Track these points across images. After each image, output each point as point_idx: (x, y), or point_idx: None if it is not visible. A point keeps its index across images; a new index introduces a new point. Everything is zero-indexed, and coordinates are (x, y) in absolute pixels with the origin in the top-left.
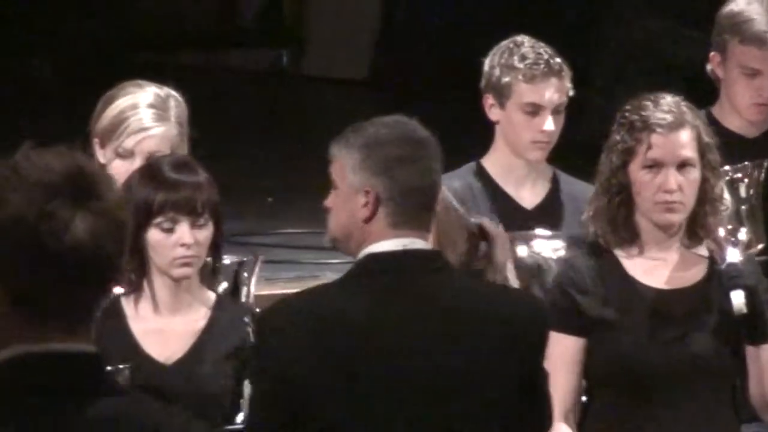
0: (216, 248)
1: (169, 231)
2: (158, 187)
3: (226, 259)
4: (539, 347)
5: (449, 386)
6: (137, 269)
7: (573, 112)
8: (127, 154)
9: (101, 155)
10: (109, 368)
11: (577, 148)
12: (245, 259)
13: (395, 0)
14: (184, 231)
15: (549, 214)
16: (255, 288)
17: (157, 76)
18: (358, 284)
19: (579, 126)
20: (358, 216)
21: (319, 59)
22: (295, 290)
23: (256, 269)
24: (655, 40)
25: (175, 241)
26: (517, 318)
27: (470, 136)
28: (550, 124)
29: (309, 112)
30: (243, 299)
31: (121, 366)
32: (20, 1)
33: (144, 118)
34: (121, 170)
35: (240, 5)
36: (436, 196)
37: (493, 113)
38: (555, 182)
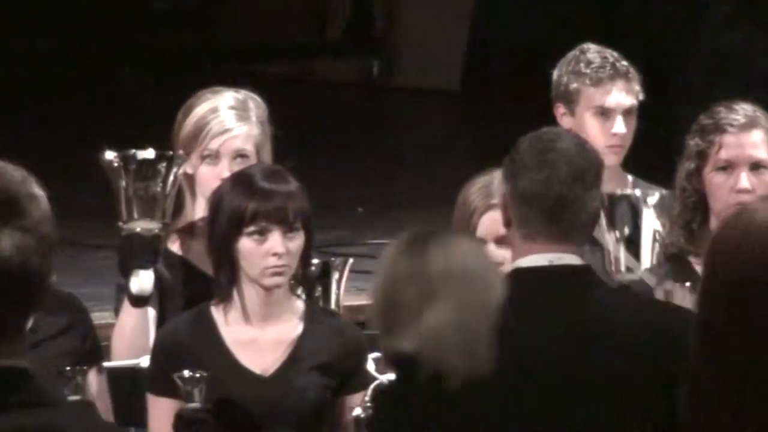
0: (305, 257)
1: (261, 240)
2: (250, 196)
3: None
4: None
5: (598, 403)
6: (227, 278)
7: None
8: (213, 155)
9: (187, 165)
10: (186, 373)
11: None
12: (333, 259)
13: (487, 11)
14: (275, 240)
15: None
16: (344, 296)
17: (247, 87)
18: (506, 299)
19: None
20: (504, 220)
21: (410, 70)
22: None
23: (346, 270)
24: (745, 50)
25: (267, 251)
26: (668, 331)
27: None
28: (620, 126)
29: (399, 123)
30: (333, 296)
31: (197, 374)
32: (110, 13)
33: (225, 119)
34: (209, 176)
35: (330, 15)
36: (567, 208)
37: (565, 122)
38: (633, 188)
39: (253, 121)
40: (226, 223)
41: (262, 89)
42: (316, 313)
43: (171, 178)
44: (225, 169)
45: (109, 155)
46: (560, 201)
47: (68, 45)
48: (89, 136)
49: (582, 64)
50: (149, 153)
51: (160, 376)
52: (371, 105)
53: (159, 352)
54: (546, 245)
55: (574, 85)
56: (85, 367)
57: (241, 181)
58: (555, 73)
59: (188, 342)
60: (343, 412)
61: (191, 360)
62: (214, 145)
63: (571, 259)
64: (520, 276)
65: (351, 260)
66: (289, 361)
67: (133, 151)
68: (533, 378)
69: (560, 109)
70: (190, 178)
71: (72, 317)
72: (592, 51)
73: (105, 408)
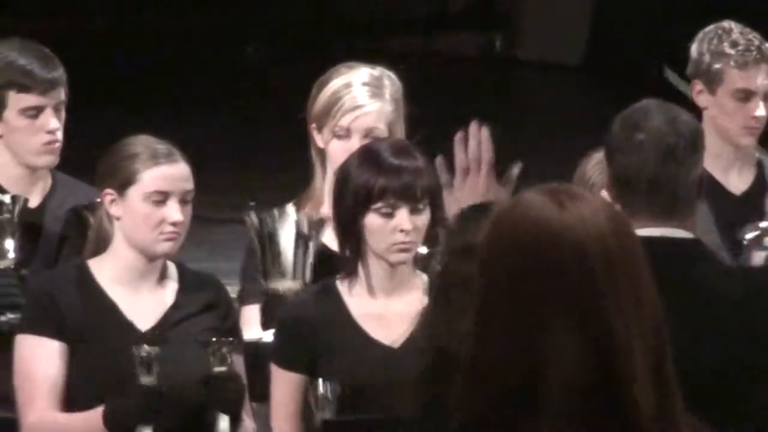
0: (432, 234)
1: (389, 216)
2: (379, 172)
3: None
4: None
5: (705, 380)
6: (353, 253)
7: None
8: (344, 133)
9: (319, 140)
10: (324, 386)
11: None
12: None
13: None
14: (403, 217)
15: (756, 200)
16: None
17: (369, 62)
18: None
19: None
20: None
21: (533, 44)
22: None
23: None
24: None
25: (394, 227)
26: None
27: None
28: (762, 109)
29: (521, 97)
30: None
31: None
32: None
33: (358, 95)
34: (339, 151)
35: None
36: (663, 188)
37: (702, 99)
38: (760, 168)
39: (386, 99)
40: (353, 199)
41: (385, 63)
42: None
43: (312, 243)
44: (356, 146)
45: (253, 216)
46: (654, 183)
47: (192, 23)
48: (214, 112)
49: (726, 44)
50: (290, 212)
51: (285, 349)
52: (494, 79)
53: (285, 325)
54: (651, 222)
55: (717, 66)
56: (231, 339)
57: (368, 156)
58: (694, 50)
59: (314, 315)
60: None
61: (318, 333)
62: (345, 121)
63: (679, 233)
64: None
65: None
66: (416, 333)
67: (275, 211)
68: None
69: (697, 86)
70: (321, 152)
71: (213, 295)
72: (736, 31)
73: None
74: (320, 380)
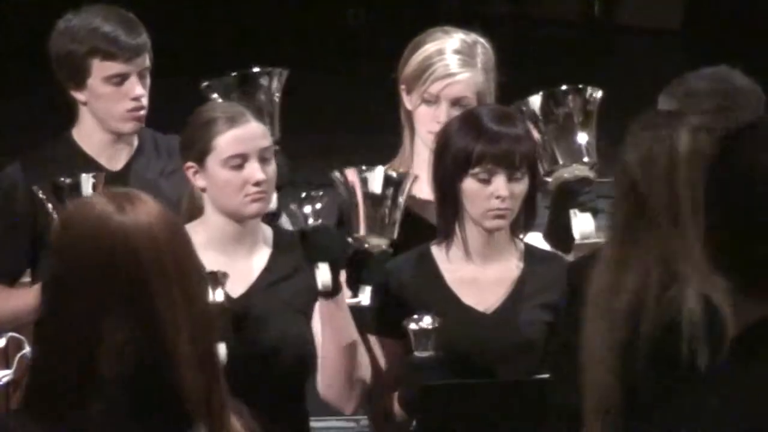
0: (530, 202)
1: (486, 182)
2: (478, 137)
3: None
4: None
5: None
6: (450, 216)
7: None
8: (432, 99)
9: (408, 101)
10: (419, 323)
11: None
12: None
13: None
14: (500, 183)
15: None
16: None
17: (466, 24)
18: None
19: None
20: None
21: (631, 8)
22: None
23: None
24: None
25: (491, 193)
26: None
27: None
28: None
29: (619, 61)
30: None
31: (430, 326)
32: None
33: (450, 63)
34: (426, 116)
35: None
36: None
37: None
38: None
39: (477, 68)
40: (452, 163)
41: (481, 27)
42: (537, 254)
43: (400, 198)
44: (443, 114)
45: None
46: None
47: None
48: (312, 74)
49: None
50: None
51: (384, 317)
52: (592, 43)
53: (383, 292)
54: None
55: None
56: (322, 192)
57: (469, 121)
58: None
59: (410, 282)
60: None
61: (414, 300)
62: (434, 89)
63: None
64: None
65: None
66: (511, 299)
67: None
68: None
69: None
70: (409, 114)
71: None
72: None
73: None
74: (416, 315)
